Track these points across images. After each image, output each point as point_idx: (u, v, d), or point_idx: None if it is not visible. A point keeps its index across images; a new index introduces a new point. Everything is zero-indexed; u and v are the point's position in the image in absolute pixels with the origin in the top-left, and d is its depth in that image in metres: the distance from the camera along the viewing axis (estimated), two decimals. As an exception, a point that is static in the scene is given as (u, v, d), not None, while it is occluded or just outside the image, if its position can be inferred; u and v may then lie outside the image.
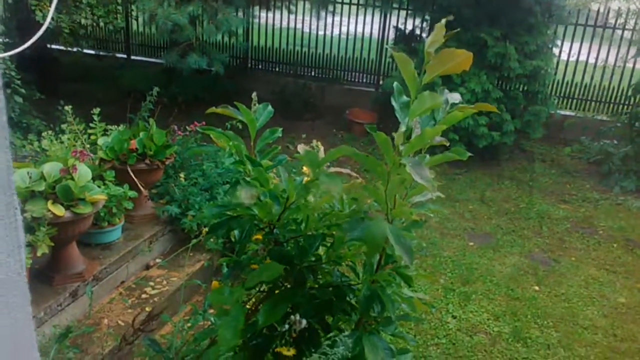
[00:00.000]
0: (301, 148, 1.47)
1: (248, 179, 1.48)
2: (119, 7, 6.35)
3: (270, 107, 1.66)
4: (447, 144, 1.55)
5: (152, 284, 3.16)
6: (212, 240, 3.18)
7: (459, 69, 1.38)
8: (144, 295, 3.05)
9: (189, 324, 2.25)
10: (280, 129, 1.66)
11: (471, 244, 4.36)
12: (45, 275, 2.73)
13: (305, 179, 1.53)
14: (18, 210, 0.71)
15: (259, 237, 1.61)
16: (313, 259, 1.60)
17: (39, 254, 2.49)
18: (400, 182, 1.41)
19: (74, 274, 2.78)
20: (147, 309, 2.88)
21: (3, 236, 0.68)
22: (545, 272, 4.01)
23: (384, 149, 1.38)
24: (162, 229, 3.45)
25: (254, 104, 1.60)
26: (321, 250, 1.65)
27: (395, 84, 1.49)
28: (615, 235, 4.68)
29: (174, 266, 3.34)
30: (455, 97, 1.53)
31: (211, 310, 2.06)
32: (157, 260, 3.37)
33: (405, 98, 1.47)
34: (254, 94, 1.64)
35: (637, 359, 3.14)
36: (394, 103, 1.45)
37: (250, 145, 1.61)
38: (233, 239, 1.64)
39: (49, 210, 2.53)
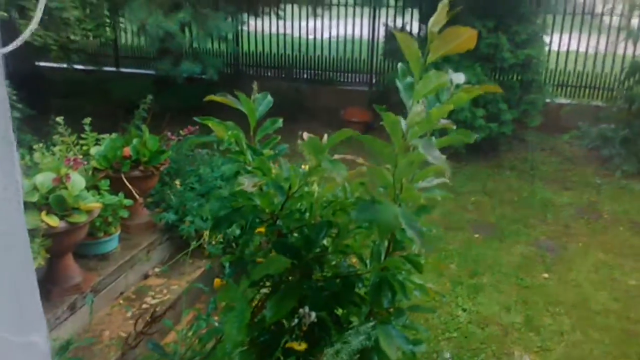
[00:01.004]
0: (305, 136, 1.41)
1: (249, 167, 1.41)
2: (107, 20, 6.28)
3: (269, 97, 1.61)
4: (454, 127, 1.49)
5: (152, 293, 3.07)
6: (212, 243, 3.11)
7: (463, 47, 1.32)
8: (144, 305, 2.97)
9: (191, 332, 2.18)
10: (281, 119, 1.61)
11: (476, 235, 4.29)
12: (42, 289, 2.63)
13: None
14: (14, 145, 0.67)
15: (262, 230, 1.54)
16: (319, 249, 1.53)
17: (34, 266, 2.41)
18: (409, 164, 1.35)
19: (71, 286, 2.70)
20: (148, 318, 2.79)
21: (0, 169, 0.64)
22: (553, 259, 3.95)
23: (392, 131, 1.33)
24: (159, 237, 3.37)
25: (254, 94, 1.55)
26: (327, 242, 1.58)
27: (399, 64, 1.44)
28: (620, 219, 4.63)
29: (174, 274, 3.25)
30: (460, 77, 1.48)
31: (215, 318, 1.99)
32: (156, 269, 3.29)
33: (409, 79, 1.42)
34: (254, 83, 1.60)
35: (654, 341, 3.07)
36: (398, 84, 1.40)
37: (250, 137, 1.55)
38: (233, 237, 1.57)
39: (43, 221, 2.45)
